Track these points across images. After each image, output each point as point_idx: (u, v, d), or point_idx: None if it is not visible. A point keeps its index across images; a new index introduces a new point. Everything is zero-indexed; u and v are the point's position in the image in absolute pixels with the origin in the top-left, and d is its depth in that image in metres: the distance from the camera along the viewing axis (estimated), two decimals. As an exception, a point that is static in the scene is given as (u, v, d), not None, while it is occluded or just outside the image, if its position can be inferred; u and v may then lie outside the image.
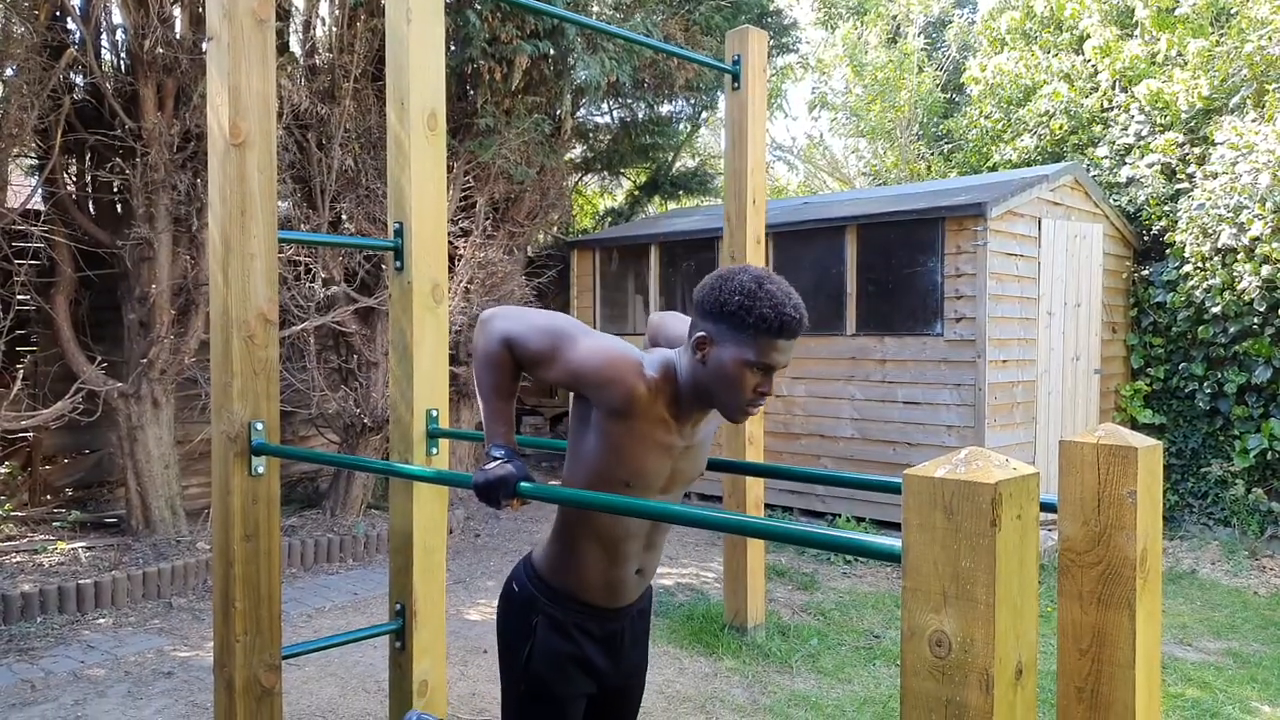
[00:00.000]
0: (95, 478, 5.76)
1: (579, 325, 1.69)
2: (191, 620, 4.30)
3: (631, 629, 1.86)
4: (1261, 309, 5.88)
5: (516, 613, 1.79)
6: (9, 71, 4.56)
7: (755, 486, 4.05)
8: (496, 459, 1.68)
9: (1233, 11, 7.66)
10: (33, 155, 5.26)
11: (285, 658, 2.25)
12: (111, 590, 4.38)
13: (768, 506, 6.05)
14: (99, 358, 5.04)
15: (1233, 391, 6.14)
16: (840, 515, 5.86)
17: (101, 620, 4.24)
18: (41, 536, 5.00)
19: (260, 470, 2.19)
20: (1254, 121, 6.43)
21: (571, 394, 1.71)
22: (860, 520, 5.78)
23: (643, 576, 1.81)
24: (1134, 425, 6.66)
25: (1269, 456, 5.98)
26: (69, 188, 5.12)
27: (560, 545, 1.76)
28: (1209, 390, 6.30)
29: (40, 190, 5.04)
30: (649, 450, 1.66)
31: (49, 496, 5.53)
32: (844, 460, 5.93)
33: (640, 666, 1.93)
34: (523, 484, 1.65)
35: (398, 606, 2.48)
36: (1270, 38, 6.72)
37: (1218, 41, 7.43)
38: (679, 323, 1.94)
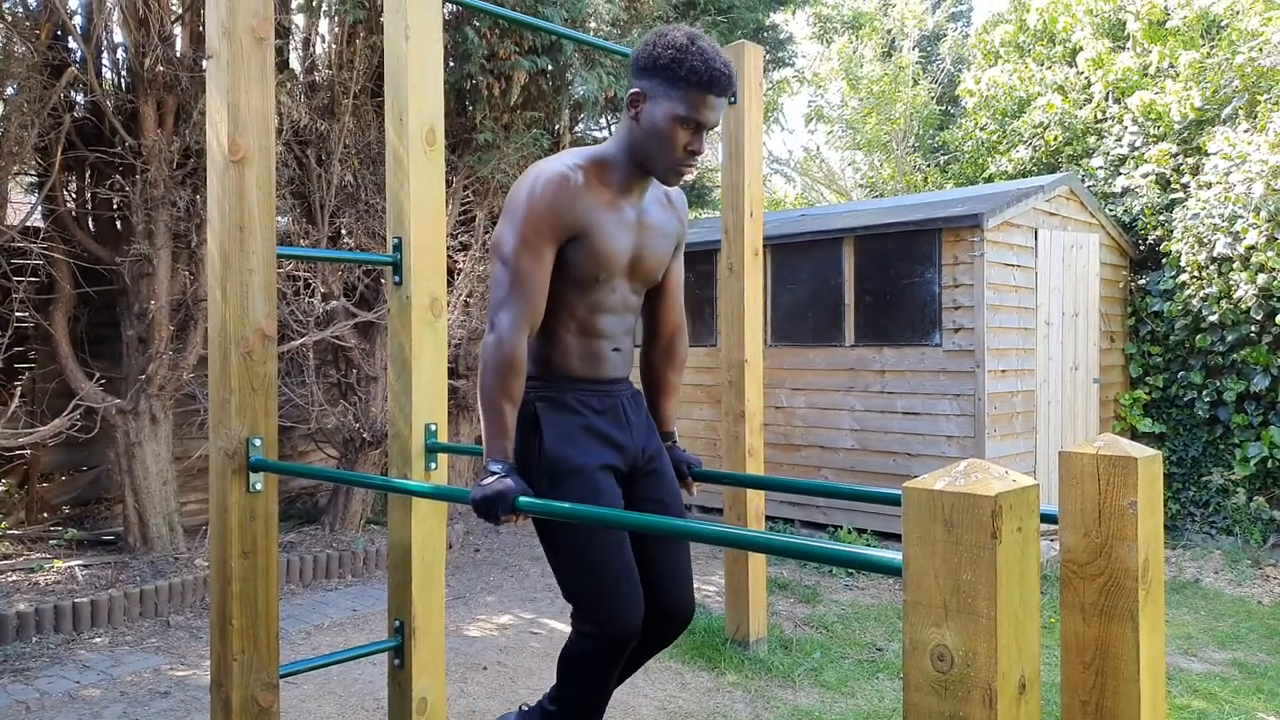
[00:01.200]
0: (93, 495, 5.74)
1: (506, 224, 1.76)
2: (189, 639, 4.27)
3: (633, 407, 1.92)
4: (1258, 317, 5.89)
5: (520, 422, 1.82)
6: (10, 90, 4.58)
7: (756, 499, 4.04)
8: (495, 474, 1.68)
9: (1223, 24, 7.72)
10: (33, 173, 5.28)
11: (283, 676, 2.23)
12: (108, 609, 4.36)
13: (769, 519, 6.03)
14: (97, 374, 5.04)
15: (1232, 400, 6.14)
16: (842, 527, 5.84)
17: (98, 639, 4.21)
18: (38, 554, 4.98)
19: (258, 486, 2.18)
20: (1246, 132, 6.46)
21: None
22: (862, 532, 5.76)
23: (620, 354, 1.90)
24: (1134, 434, 6.66)
25: (1270, 464, 5.97)
26: (69, 205, 5.13)
27: (541, 341, 1.84)
28: (1208, 399, 6.30)
29: (40, 207, 5.05)
30: (608, 231, 1.75)
31: (46, 514, 5.51)
32: (844, 471, 5.92)
33: (661, 453, 1.98)
34: (521, 499, 1.64)
35: (396, 623, 2.46)
36: (1261, 49, 6.77)
37: (1209, 53, 7.48)
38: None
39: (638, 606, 1.76)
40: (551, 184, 1.69)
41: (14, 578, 4.62)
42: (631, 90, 1.70)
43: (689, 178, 1.82)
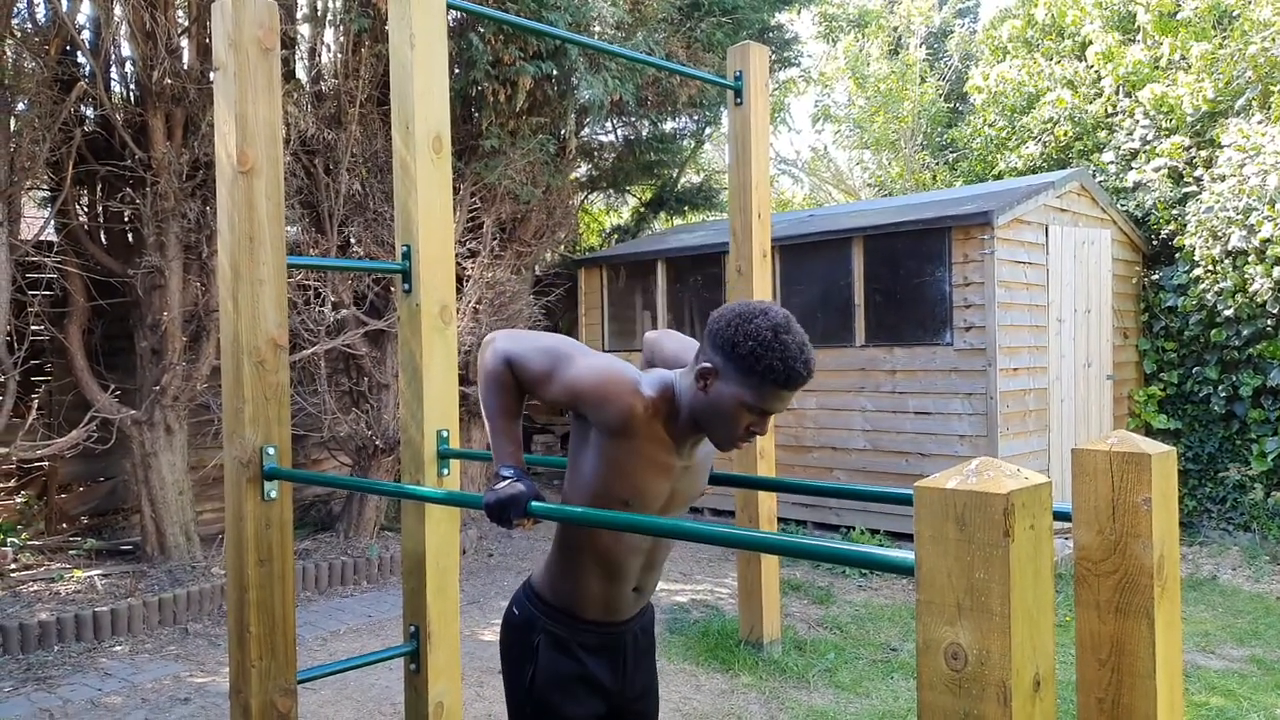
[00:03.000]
0: (110, 505, 5.79)
1: (578, 345, 1.70)
2: (208, 646, 4.30)
3: (634, 645, 1.85)
4: (1274, 311, 5.84)
5: (518, 636, 1.79)
6: (21, 106, 4.63)
7: (768, 501, 4.03)
8: (506, 478, 1.68)
9: (1235, 14, 7.66)
10: (45, 187, 5.33)
11: (301, 682, 2.25)
12: (128, 617, 4.39)
13: (781, 520, 6.02)
14: (112, 386, 5.08)
15: (1248, 395, 6.08)
16: (855, 528, 5.82)
17: (118, 648, 4.24)
18: (58, 565, 5.02)
19: (273, 495, 2.20)
20: (1260, 123, 6.41)
21: (571, 413, 1.72)
22: (875, 532, 5.74)
23: (640, 594, 1.81)
24: (1149, 430, 6.60)
25: (1287, 459, 5.92)
26: (81, 218, 5.18)
27: (559, 565, 1.77)
28: (1224, 394, 6.24)
29: (53, 222, 5.10)
30: (647, 468, 1.66)
31: (65, 525, 5.56)
32: (857, 472, 5.89)
33: (650, 689, 1.92)
34: (534, 503, 1.65)
35: (412, 628, 2.47)
36: (1274, 39, 6.71)
37: (1220, 44, 7.42)
38: (675, 342, 1.94)
39: None
40: (622, 402, 1.61)
41: (35, 587, 4.66)
42: (703, 364, 1.61)
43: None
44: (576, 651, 1.76)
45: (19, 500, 5.32)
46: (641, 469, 1.66)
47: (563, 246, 8.84)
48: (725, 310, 1.64)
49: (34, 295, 4.49)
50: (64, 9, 4.64)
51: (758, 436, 1.65)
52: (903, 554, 1.09)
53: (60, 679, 3.87)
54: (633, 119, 7.87)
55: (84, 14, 5.03)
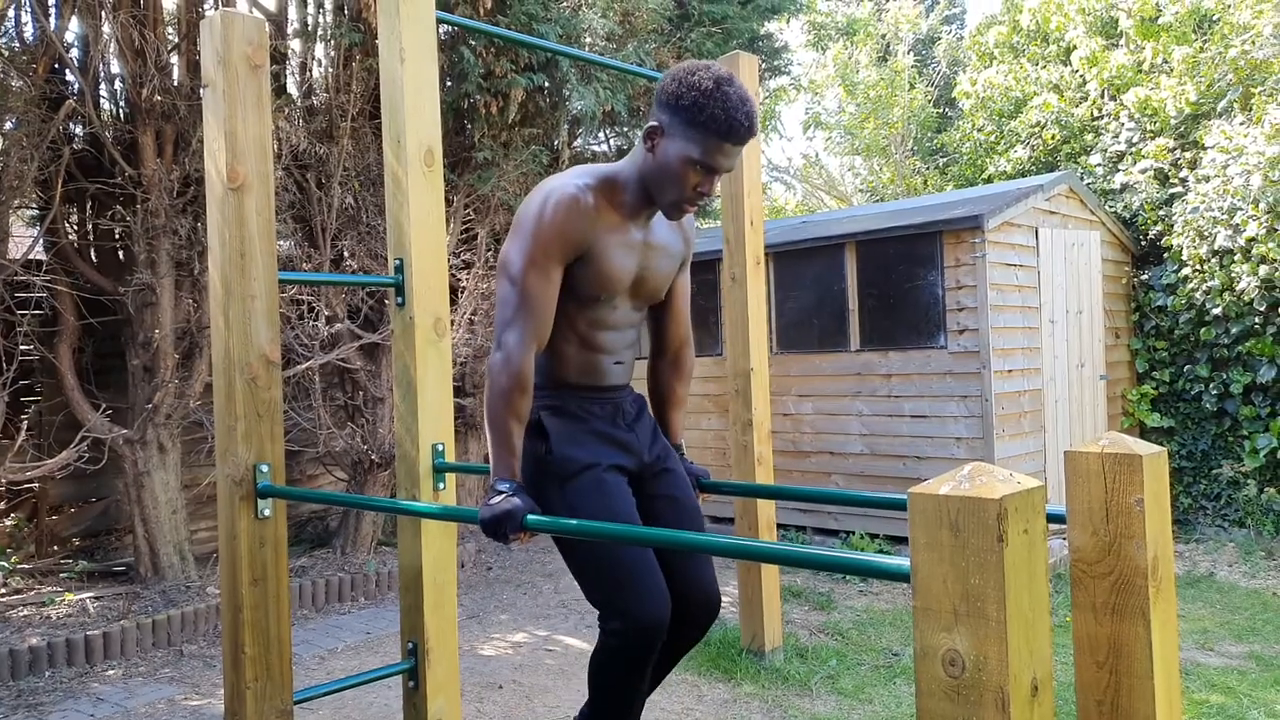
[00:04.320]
0: (102, 526, 5.75)
1: (514, 243, 1.76)
2: (203, 668, 4.27)
3: (636, 410, 1.93)
4: (1262, 309, 5.88)
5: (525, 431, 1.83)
6: (9, 124, 4.63)
7: (767, 508, 4.03)
8: (502, 492, 1.68)
9: (1215, 18, 7.73)
10: (34, 206, 5.32)
11: (298, 702, 2.23)
12: (120, 640, 4.36)
13: (780, 527, 6.01)
14: (104, 405, 5.06)
15: (1239, 392, 6.12)
16: (854, 533, 5.82)
17: (111, 671, 4.21)
18: (49, 588, 4.98)
19: (266, 513, 2.19)
20: (1242, 124, 6.46)
21: None
22: (874, 537, 5.74)
23: (621, 367, 1.91)
24: (1142, 429, 6.62)
25: (1279, 455, 5.94)
26: (70, 237, 5.17)
27: (544, 355, 1.84)
28: (1215, 391, 6.27)
29: (42, 240, 5.09)
30: (613, 254, 1.76)
31: (56, 547, 5.52)
32: (855, 477, 5.90)
33: (670, 453, 1.98)
34: (529, 517, 1.64)
35: (410, 645, 2.46)
36: (1253, 42, 6.77)
37: (1201, 48, 7.49)
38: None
39: (662, 596, 1.73)
40: (561, 204, 1.69)
41: (25, 612, 4.62)
42: (650, 122, 1.71)
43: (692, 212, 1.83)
44: (579, 412, 1.84)
45: (9, 523, 5.27)
46: (607, 258, 1.75)
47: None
48: (671, 69, 1.71)
49: (23, 315, 4.47)
50: (52, 27, 4.64)
51: (704, 199, 1.74)
52: (898, 561, 1.09)
53: (51, 705, 3.84)
54: (625, 129, 7.88)
55: (72, 32, 5.03)
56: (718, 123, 1.61)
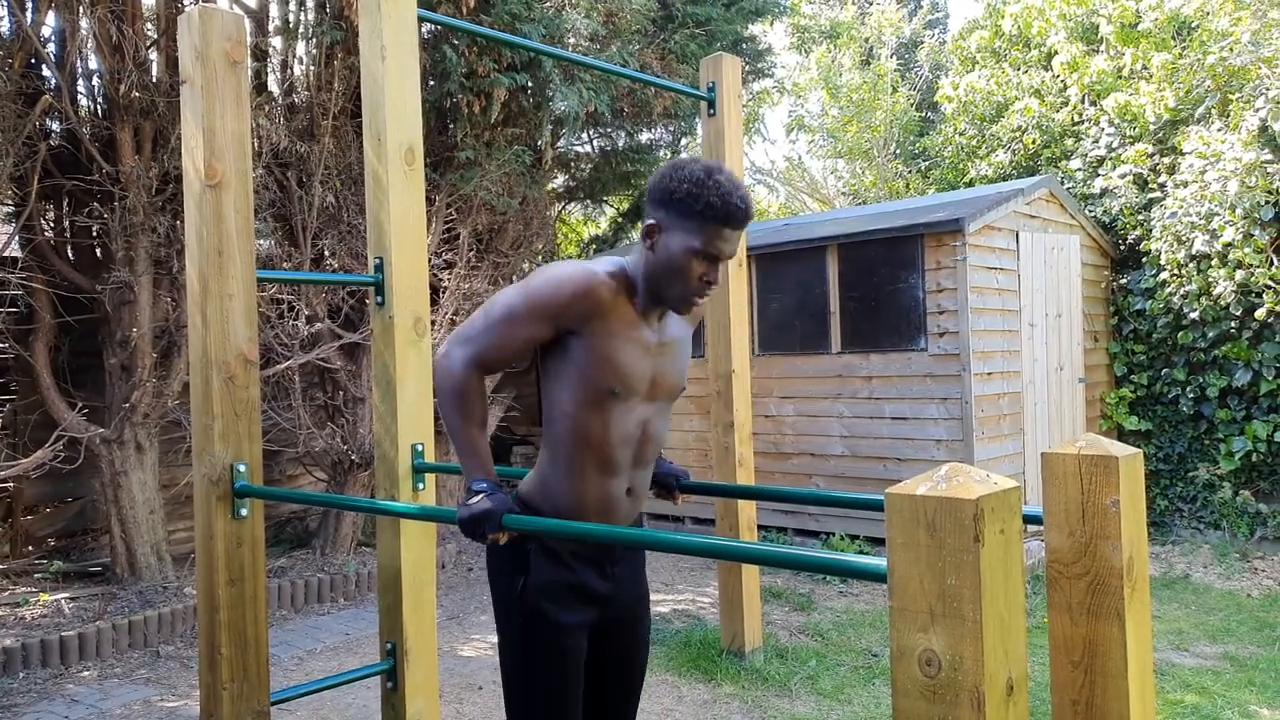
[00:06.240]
0: (78, 526, 5.67)
1: (513, 288, 1.72)
2: (180, 669, 4.22)
3: (627, 555, 1.86)
4: (1238, 313, 5.96)
5: (509, 549, 1.75)
6: (-16, 120, 4.55)
7: (748, 509, 4.04)
8: (479, 492, 1.67)
9: (1194, 25, 7.84)
10: (9, 202, 5.24)
11: (275, 703, 2.21)
12: (96, 641, 4.30)
13: (762, 527, 6.02)
14: (80, 404, 4.99)
15: (1215, 395, 6.20)
16: (834, 534, 5.84)
17: (86, 673, 4.15)
18: (23, 589, 4.91)
19: (244, 513, 2.16)
20: (1220, 131, 6.55)
21: (539, 353, 1.74)
22: (855, 538, 5.76)
23: (633, 498, 1.81)
24: (1121, 432, 6.70)
25: (1254, 458, 6.02)
26: (47, 234, 5.10)
27: (551, 467, 1.76)
28: (1192, 395, 6.35)
29: (17, 237, 5.01)
30: (623, 346, 1.69)
31: (30, 547, 5.44)
32: (835, 478, 5.92)
33: (642, 597, 1.93)
34: (508, 516, 1.64)
35: (388, 645, 2.44)
36: (1231, 49, 6.86)
37: (1180, 54, 7.59)
38: None
39: None
40: (575, 279, 1.63)
41: (-1, 612, 4.55)
42: (647, 222, 1.68)
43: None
44: (569, 560, 1.76)
45: (-16, 522, 5.19)
46: (619, 348, 1.68)
47: (540, 257, 8.83)
48: (658, 169, 1.70)
49: (-2, 312, 4.41)
50: (28, 21, 4.57)
51: (712, 288, 1.70)
52: (875, 561, 1.10)
53: (25, 707, 3.78)
54: (609, 130, 7.88)
55: (49, 26, 4.95)
56: (715, 209, 1.60)
